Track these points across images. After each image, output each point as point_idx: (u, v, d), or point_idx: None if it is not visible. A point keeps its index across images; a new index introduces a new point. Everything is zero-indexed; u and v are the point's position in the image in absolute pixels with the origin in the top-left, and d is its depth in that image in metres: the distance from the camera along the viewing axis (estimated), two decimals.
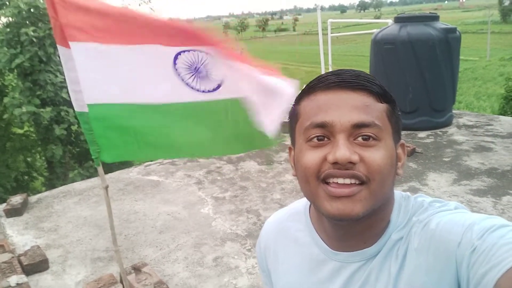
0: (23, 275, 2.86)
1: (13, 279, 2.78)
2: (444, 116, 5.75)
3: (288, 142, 0.81)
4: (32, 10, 10.13)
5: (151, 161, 5.37)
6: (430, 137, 5.42)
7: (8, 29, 10.14)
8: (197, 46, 2.04)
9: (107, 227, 2.49)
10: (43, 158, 12.57)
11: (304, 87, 0.74)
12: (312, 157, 0.67)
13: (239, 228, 3.50)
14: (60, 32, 1.95)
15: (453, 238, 0.63)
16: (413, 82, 5.51)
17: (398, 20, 5.89)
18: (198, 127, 2.24)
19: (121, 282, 2.71)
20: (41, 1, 10.11)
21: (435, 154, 4.80)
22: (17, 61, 9.68)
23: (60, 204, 4.23)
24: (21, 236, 3.61)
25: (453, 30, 5.56)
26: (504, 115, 11.83)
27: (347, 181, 0.64)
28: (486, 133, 5.39)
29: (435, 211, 0.70)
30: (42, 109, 9.96)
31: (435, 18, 5.78)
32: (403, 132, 0.74)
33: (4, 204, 4.14)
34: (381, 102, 0.68)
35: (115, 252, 2.44)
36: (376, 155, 0.65)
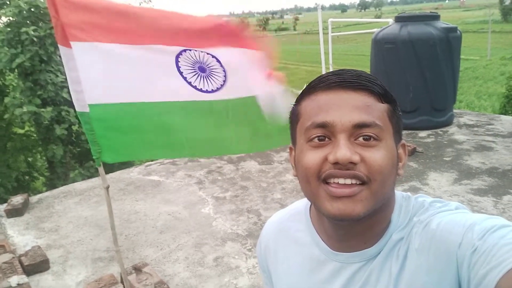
0: (24, 276, 2.86)
1: (14, 280, 2.79)
2: (445, 115, 5.75)
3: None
4: (32, 9, 10.13)
5: (152, 161, 5.37)
6: (431, 136, 5.42)
7: (8, 29, 10.14)
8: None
9: (108, 227, 2.49)
10: (44, 158, 12.58)
11: (304, 87, 0.74)
12: (313, 157, 0.67)
13: (240, 228, 3.50)
14: (61, 31, 1.94)
15: (454, 238, 0.63)
16: (413, 81, 5.51)
17: (399, 19, 5.89)
18: (200, 126, 2.24)
19: (122, 282, 2.71)
20: (42, 0, 10.11)
21: (435, 154, 4.80)
22: (18, 60, 9.68)
23: (60, 204, 4.24)
24: (22, 236, 3.61)
25: (454, 30, 5.55)
26: (505, 114, 11.82)
27: (348, 181, 0.64)
28: (487, 133, 5.39)
29: (435, 211, 0.70)
30: (42, 109, 9.96)
31: (435, 17, 5.78)
32: (403, 132, 0.74)
33: (5, 204, 4.14)
34: (382, 102, 0.68)
35: (115, 252, 2.44)
36: (377, 155, 0.65)
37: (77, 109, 2.07)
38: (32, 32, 9.61)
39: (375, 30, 6.20)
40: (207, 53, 2.07)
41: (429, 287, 0.64)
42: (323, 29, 7.13)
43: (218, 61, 2.10)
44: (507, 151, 4.71)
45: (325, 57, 6.96)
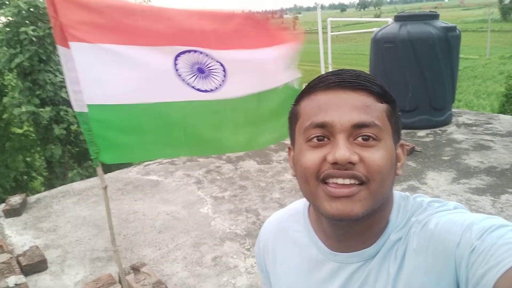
0: (22, 276, 2.86)
1: (12, 280, 2.78)
2: (444, 114, 5.75)
3: (287, 141, 0.81)
4: (31, 9, 10.11)
5: (150, 160, 5.36)
6: (430, 135, 5.42)
7: (7, 29, 10.12)
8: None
9: (106, 227, 2.49)
10: (42, 158, 12.56)
11: (304, 87, 0.74)
12: (311, 157, 0.67)
13: (238, 228, 3.50)
14: (60, 32, 1.94)
15: (452, 238, 0.62)
16: (413, 80, 5.51)
17: (398, 18, 5.89)
18: (198, 125, 2.24)
19: (120, 282, 2.70)
20: (41, 0, 10.09)
21: (434, 153, 4.80)
22: (17, 60, 9.66)
23: (59, 204, 4.23)
24: (20, 236, 3.61)
25: (453, 29, 5.56)
26: (504, 113, 11.84)
27: (347, 181, 0.64)
28: (486, 132, 5.39)
29: (434, 211, 0.70)
30: (41, 109, 9.94)
31: (435, 16, 5.78)
32: (402, 131, 0.74)
33: (3, 204, 4.13)
34: (381, 102, 0.68)
35: (114, 252, 2.44)
36: (376, 156, 0.65)
37: (75, 109, 2.07)
38: (31, 32, 9.59)
39: (375, 29, 6.21)
40: (214, 55, 2.09)
41: (428, 287, 0.64)
42: (322, 28, 7.13)
43: (218, 61, 2.11)
44: (506, 150, 4.71)
45: (324, 57, 6.96)
